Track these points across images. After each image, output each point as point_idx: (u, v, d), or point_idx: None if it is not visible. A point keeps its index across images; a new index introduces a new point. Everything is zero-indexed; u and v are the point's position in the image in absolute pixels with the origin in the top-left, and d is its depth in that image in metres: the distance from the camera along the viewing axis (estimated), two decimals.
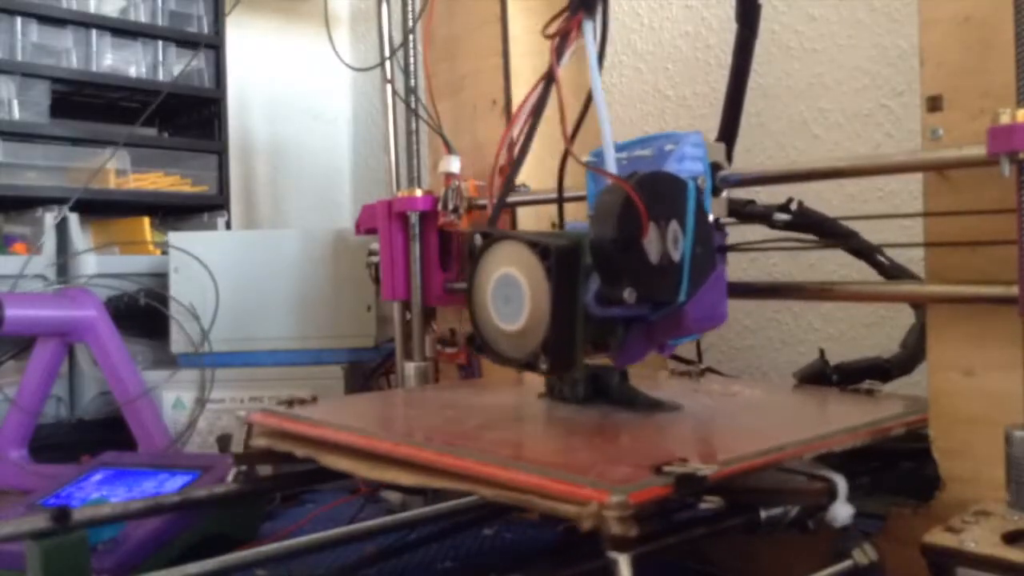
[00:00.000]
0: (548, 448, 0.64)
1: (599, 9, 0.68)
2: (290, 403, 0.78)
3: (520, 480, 0.52)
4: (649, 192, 0.61)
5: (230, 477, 0.74)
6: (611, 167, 0.66)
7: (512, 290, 0.63)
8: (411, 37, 1.06)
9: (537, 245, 0.62)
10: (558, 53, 0.69)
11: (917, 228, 0.67)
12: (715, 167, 0.73)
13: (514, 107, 0.75)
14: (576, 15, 0.68)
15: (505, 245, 0.65)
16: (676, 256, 0.63)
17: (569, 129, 0.69)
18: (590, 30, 0.68)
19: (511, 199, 1.00)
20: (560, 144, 0.70)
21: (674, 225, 0.63)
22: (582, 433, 0.66)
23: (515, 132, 0.74)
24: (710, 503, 0.51)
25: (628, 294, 0.60)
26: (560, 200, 0.79)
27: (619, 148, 0.71)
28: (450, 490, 0.58)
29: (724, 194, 0.76)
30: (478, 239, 0.67)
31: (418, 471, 0.59)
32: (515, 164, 0.78)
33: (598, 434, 0.65)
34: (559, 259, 0.61)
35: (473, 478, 0.55)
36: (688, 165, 0.69)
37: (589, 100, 0.71)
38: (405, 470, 0.60)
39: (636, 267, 0.61)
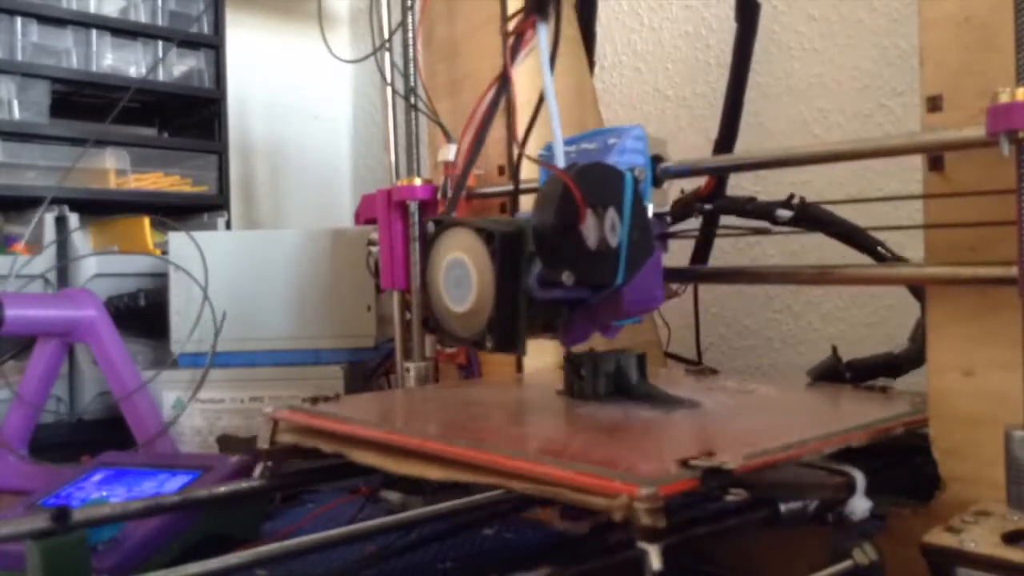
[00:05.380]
0: (574, 443, 0.64)
1: (552, 11, 0.73)
2: (315, 400, 0.79)
3: (550, 474, 0.53)
4: (587, 181, 0.64)
5: (256, 472, 0.74)
6: (559, 161, 0.71)
7: (461, 273, 0.67)
8: (408, 18, 1.05)
9: (483, 231, 0.65)
10: (513, 52, 0.74)
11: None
12: (656, 159, 0.77)
13: (514, 107, 0.78)
14: (530, 17, 0.72)
15: (455, 231, 0.68)
16: (613, 241, 0.66)
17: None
18: (543, 32, 0.72)
19: (495, 189, 1.03)
20: (550, 140, 0.73)
21: (611, 212, 0.66)
22: (606, 429, 0.67)
23: (475, 128, 0.82)
24: (735, 496, 0.51)
25: (566, 277, 0.64)
26: (515, 192, 0.87)
27: (568, 142, 0.75)
28: (478, 484, 0.58)
29: (665, 185, 0.79)
30: (431, 226, 0.71)
31: (447, 466, 0.60)
32: (471, 157, 0.86)
33: (622, 429, 0.66)
34: (503, 244, 0.64)
35: (503, 472, 0.56)
36: (628, 157, 0.73)
37: (541, 100, 0.75)
38: (433, 465, 0.61)
39: (574, 251, 0.64)
